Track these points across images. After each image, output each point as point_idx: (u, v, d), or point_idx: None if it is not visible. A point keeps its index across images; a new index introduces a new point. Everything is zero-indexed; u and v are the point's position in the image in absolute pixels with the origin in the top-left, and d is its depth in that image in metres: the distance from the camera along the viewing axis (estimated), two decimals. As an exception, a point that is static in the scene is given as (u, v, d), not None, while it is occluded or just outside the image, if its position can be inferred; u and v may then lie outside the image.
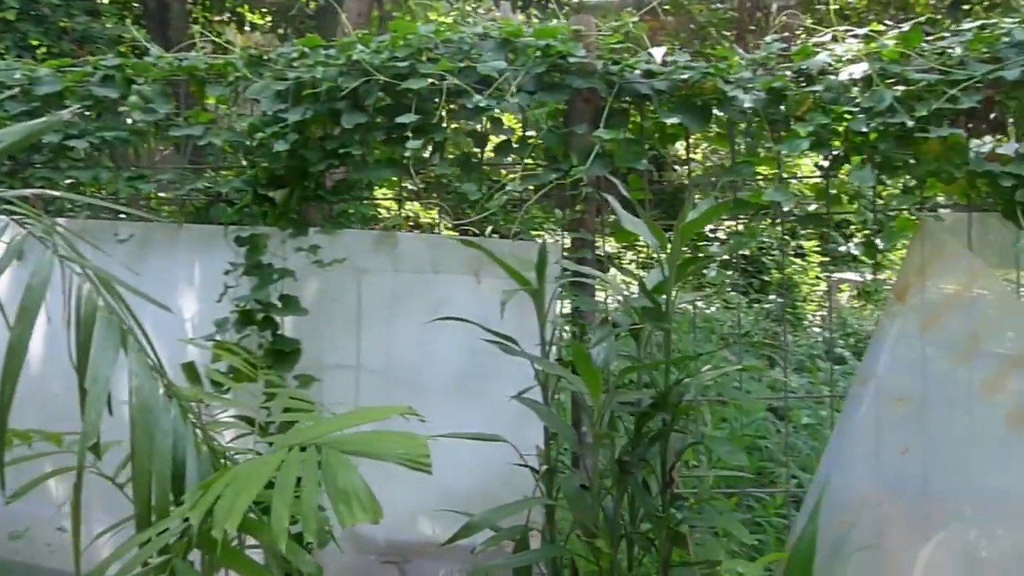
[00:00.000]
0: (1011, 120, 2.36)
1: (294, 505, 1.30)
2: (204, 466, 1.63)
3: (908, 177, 2.38)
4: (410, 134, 2.35)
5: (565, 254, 2.43)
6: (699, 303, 8.94)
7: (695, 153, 4.43)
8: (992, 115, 2.38)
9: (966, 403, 2.24)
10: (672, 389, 1.72)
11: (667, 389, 1.73)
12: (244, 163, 2.67)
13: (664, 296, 1.75)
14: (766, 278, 9.85)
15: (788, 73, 2.37)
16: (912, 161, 2.27)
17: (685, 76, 2.36)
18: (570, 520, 1.99)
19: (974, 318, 2.27)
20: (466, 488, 2.51)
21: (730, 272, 9.71)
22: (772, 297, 9.13)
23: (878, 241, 2.27)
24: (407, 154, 2.33)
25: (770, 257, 9.88)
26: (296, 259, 2.61)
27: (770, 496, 4.60)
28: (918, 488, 2.25)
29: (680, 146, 2.79)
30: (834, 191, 2.45)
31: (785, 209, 2.31)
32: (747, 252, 10.10)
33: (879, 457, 2.30)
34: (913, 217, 2.38)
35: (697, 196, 2.25)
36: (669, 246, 1.71)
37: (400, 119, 2.35)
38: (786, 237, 9.89)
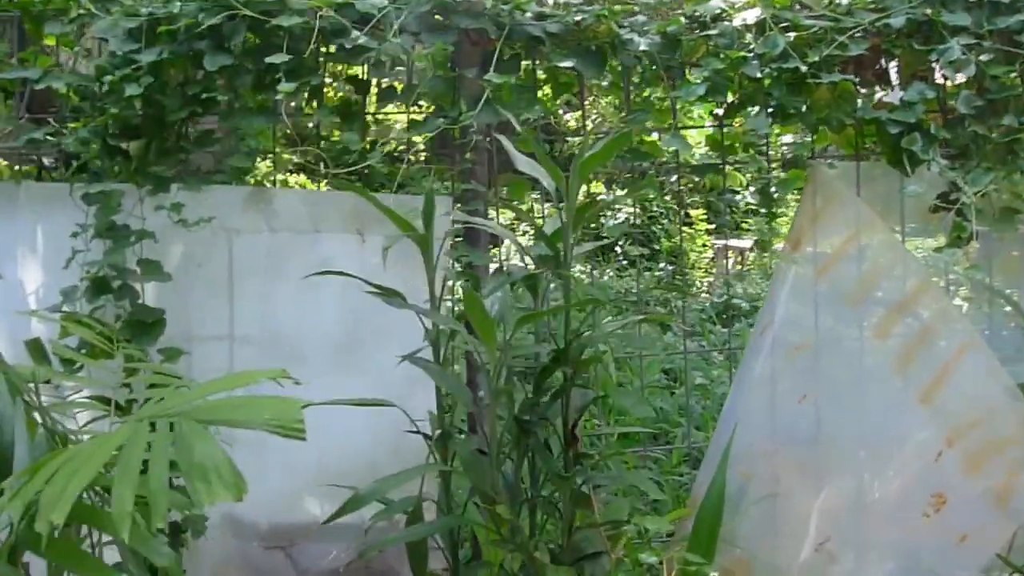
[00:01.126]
0: (896, 68, 2.37)
1: (142, 486, 1.10)
2: (39, 451, 1.40)
3: (801, 126, 2.36)
4: (281, 77, 2.13)
5: (458, 207, 2.28)
6: (592, 270, 9.02)
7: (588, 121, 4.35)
8: (879, 64, 2.39)
9: (858, 349, 2.25)
10: (573, 341, 1.62)
11: (568, 341, 1.63)
12: (93, 112, 2.37)
13: (565, 243, 1.64)
14: (656, 247, 10.05)
15: (683, 19, 2.30)
16: (805, 109, 2.25)
17: (578, 18, 2.24)
18: (467, 488, 1.86)
19: (863, 266, 2.29)
20: (354, 461, 2.34)
21: (622, 242, 9.86)
22: (663, 265, 9.31)
23: (772, 189, 2.24)
24: (278, 97, 2.11)
25: (660, 226, 10.07)
26: (156, 219, 2.34)
27: (666, 455, 4.66)
28: (813, 435, 2.25)
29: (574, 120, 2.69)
30: (728, 142, 2.41)
31: (682, 157, 2.24)
32: (637, 221, 10.28)
33: (776, 406, 2.29)
34: (805, 166, 2.37)
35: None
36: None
37: (270, 59, 2.13)
38: (675, 207, 10.12)
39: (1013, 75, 2.16)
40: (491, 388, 1.56)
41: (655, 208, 10.24)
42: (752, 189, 2.25)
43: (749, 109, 2.27)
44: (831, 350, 2.24)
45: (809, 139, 2.37)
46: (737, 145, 2.38)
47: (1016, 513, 2.24)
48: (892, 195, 2.37)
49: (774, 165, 2.35)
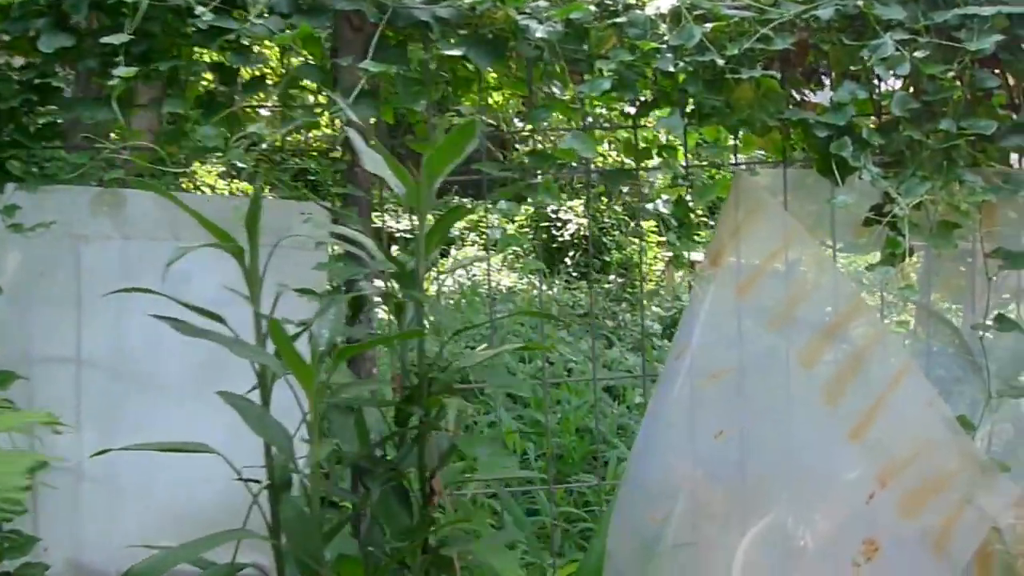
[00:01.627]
0: (826, 66, 2.16)
1: None
2: None
3: (721, 129, 2.13)
4: (122, 60, 1.83)
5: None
6: (536, 282, 8.79)
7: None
8: (808, 61, 2.17)
9: (783, 376, 2.01)
10: (427, 376, 1.35)
11: (421, 376, 1.36)
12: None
13: (415, 257, 1.37)
14: (607, 259, 9.86)
15: (592, 7, 2.05)
16: (725, 108, 2.01)
17: (472, 2, 1.98)
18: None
19: (790, 284, 2.05)
20: (225, 504, 2.05)
21: (572, 253, 9.64)
22: (612, 277, 9.12)
23: (688, 198, 2.00)
24: (113, 83, 1.81)
25: (610, 238, 9.89)
26: (-12, 224, 2.02)
27: (601, 480, 4.41)
28: (735, 473, 2.01)
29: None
30: (644, 145, 2.16)
31: (588, 161, 1.99)
32: (587, 233, 10.09)
33: (694, 440, 2.04)
34: (726, 174, 2.14)
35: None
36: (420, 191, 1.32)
37: (107, 39, 1.83)
38: (625, 217, 9.94)
39: (951, 75, 1.95)
40: (311, 435, 1.28)
41: (606, 219, 10.07)
42: (664, 198, 1.99)
43: (665, 107, 2.03)
44: (753, 379, 2.00)
45: (735, 143, 2.13)
46: (654, 149, 2.13)
47: (954, 560, 2.02)
48: (822, 207, 2.15)
49: (697, 173, 2.11)
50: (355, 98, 1.89)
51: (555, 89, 2.09)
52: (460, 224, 10.87)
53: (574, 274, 9.51)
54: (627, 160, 2.18)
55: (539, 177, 1.98)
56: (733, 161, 2.12)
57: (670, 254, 9.06)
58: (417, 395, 1.35)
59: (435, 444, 1.39)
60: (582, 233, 9.76)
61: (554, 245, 10.03)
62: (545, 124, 2.40)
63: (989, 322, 2.02)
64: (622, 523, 2.01)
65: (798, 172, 2.24)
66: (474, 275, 9.42)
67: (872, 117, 2.16)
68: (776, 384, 1.99)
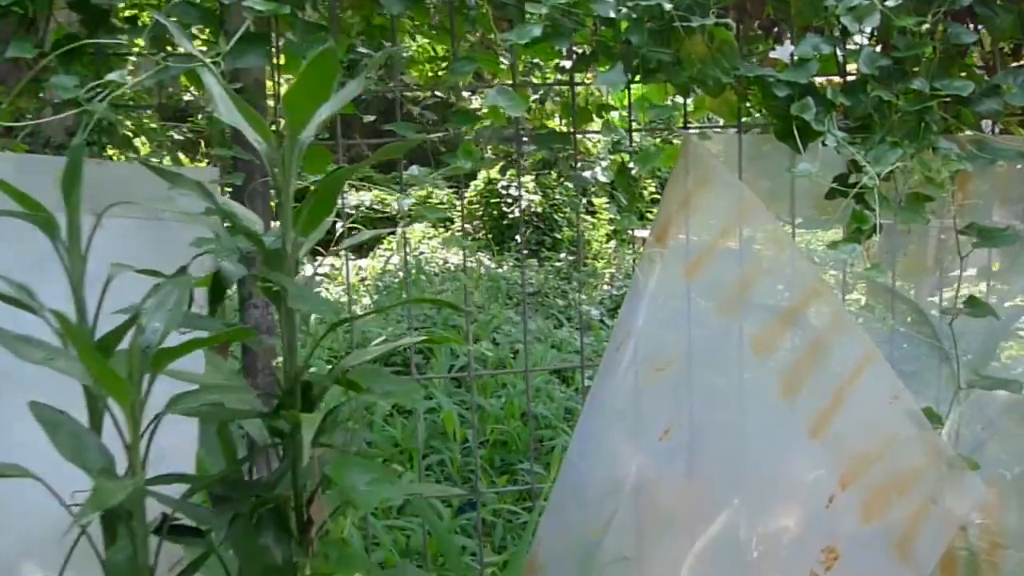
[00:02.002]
0: (785, 19, 1.92)
1: None
2: None
3: (669, 88, 1.88)
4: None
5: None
6: (487, 260, 8.53)
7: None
8: (766, 13, 1.93)
9: (736, 367, 1.79)
10: (298, 381, 1.08)
11: (293, 379, 1.09)
12: None
13: (282, 233, 1.09)
14: (558, 236, 9.64)
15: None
16: (673, 63, 1.76)
17: (381, -66, 1.69)
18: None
19: (744, 262, 1.83)
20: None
21: (524, 230, 9.39)
22: (563, 255, 8.90)
23: (632, 165, 1.75)
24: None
25: (562, 215, 9.66)
26: None
27: (545, 469, 4.19)
28: (682, 476, 1.78)
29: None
30: (582, 103, 1.90)
31: (518, 122, 1.72)
32: (539, 210, 9.84)
33: (637, 440, 1.81)
34: (675, 140, 1.89)
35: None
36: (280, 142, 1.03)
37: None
38: (576, 194, 9.71)
39: (925, 27, 1.73)
40: (129, 460, 1.01)
41: (557, 196, 9.83)
42: (604, 165, 1.73)
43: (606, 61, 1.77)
44: (702, 370, 1.78)
45: (683, 103, 1.88)
46: (593, 110, 1.87)
47: (920, 564, 1.83)
48: (781, 176, 1.93)
49: (639, 136, 1.86)
50: (240, 42, 1.60)
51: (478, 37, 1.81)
52: (408, 200, 10.55)
53: (525, 251, 9.27)
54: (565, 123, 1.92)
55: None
56: (682, 125, 1.88)
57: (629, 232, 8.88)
58: (287, 404, 1.09)
59: (317, 463, 1.13)
60: (532, 210, 9.51)
61: (504, 222, 9.77)
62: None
63: (960, 306, 1.83)
64: (555, 532, 1.78)
65: (754, 138, 2.01)
66: (421, 252, 9.12)
67: (836, 78, 1.93)
68: (728, 376, 1.77)
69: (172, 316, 0.98)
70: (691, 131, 1.84)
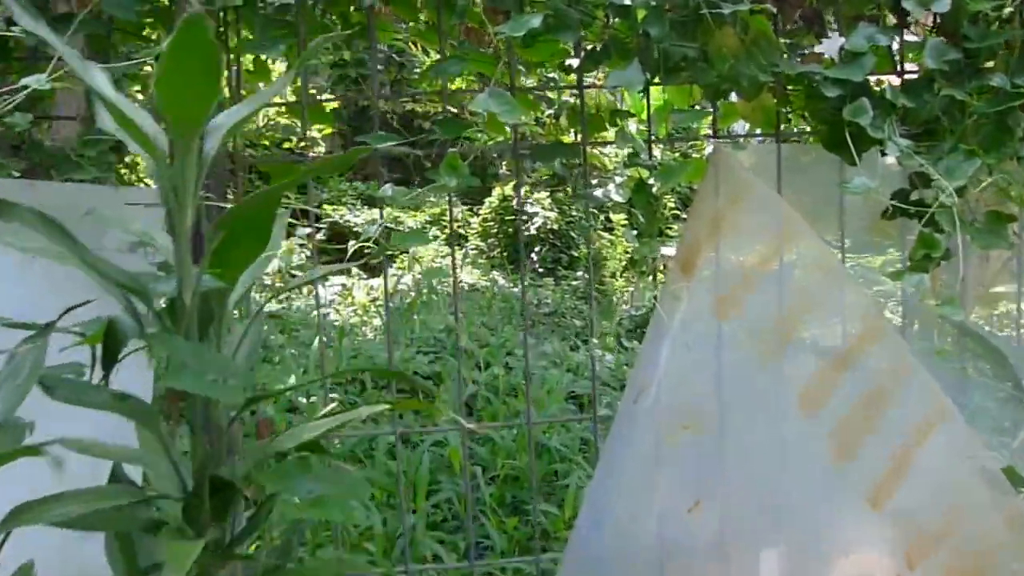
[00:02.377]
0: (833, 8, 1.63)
1: None
2: None
3: (695, 90, 1.59)
4: None
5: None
6: (500, 280, 8.25)
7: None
8: (809, 2, 1.64)
9: (779, 423, 1.49)
10: (205, 478, 0.80)
11: (200, 475, 0.81)
12: None
13: (179, 277, 0.82)
14: (575, 253, 9.35)
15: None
16: (700, 60, 1.48)
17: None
18: None
19: (787, 296, 1.53)
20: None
21: (538, 248, 9.13)
22: (580, 273, 8.59)
23: (652, 181, 1.46)
24: None
25: (579, 231, 9.37)
26: None
27: (559, 509, 3.89)
28: (716, 559, 1.47)
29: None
30: (593, 110, 1.62)
31: (510, 127, 1.44)
32: (555, 227, 9.54)
33: (658, 509, 1.51)
34: (699, 152, 1.60)
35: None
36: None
37: None
38: (594, 211, 9.44)
39: (1007, 10, 1.43)
40: None
41: (574, 212, 9.54)
42: (618, 181, 1.43)
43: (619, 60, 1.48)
44: (739, 429, 1.47)
45: (710, 109, 1.60)
46: (605, 117, 1.59)
47: (1003, 660, 1.51)
48: (829, 193, 1.63)
49: (660, 148, 1.57)
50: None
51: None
52: (421, 217, 10.33)
53: (540, 270, 9.00)
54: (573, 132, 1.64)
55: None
56: (711, 134, 1.59)
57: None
58: (192, 509, 0.81)
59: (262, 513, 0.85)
60: (548, 227, 9.23)
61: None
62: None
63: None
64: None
65: (792, 149, 1.72)
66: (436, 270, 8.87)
67: (891, 78, 1.64)
68: (769, 435, 1.46)
69: (16, 391, 0.72)
70: (722, 140, 1.55)
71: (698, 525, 1.44)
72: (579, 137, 1.61)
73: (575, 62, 1.54)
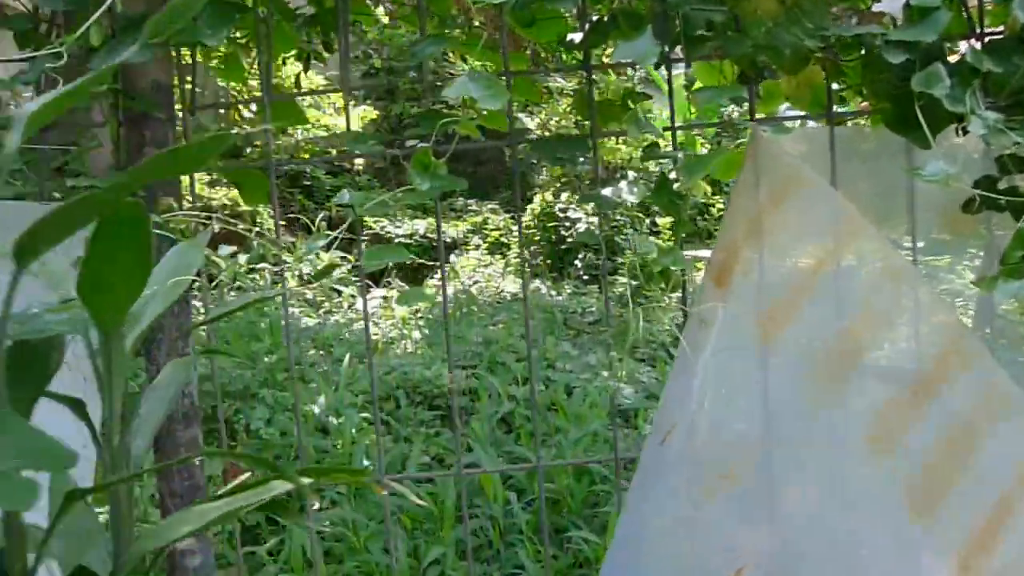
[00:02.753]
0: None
1: None
2: None
3: (725, 67, 1.32)
4: None
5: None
6: (542, 287, 7.99)
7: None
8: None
9: (841, 470, 1.20)
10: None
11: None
12: None
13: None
14: (620, 260, 9.04)
15: None
16: (731, 28, 1.21)
17: None
18: None
19: (847, 311, 1.24)
20: None
21: (581, 255, 8.86)
22: (624, 280, 8.28)
23: (674, 175, 1.19)
24: None
25: (623, 236, 9.06)
26: None
27: (600, 536, 3.61)
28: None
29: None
30: (600, 95, 1.36)
31: (509, 120, 1.19)
32: (598, 230, 9.23)
33: (694, 574, 1.24)
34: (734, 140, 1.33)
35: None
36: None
37: None
38: (639, 214, 9.13)
39: (1124, -56, 1.13)
40: None
41: (618, 216, 9.22)
42: (631, 177, 1.17)
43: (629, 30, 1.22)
44: (789, 476, 1.19)
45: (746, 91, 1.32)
46: (616, 101, 1.33)
47: None
48: (894, 184, 1.35)
49: (682, 127, 1.30)
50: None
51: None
52: (463, 227, 10.14)
53: (584, 277, 8.72)
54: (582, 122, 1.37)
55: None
56: (750, 116, 1.31)
57: (689, 253, 8.21)
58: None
59: None
60: (593, 232, 8.93)
61: (562, 246, 9.24)
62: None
63: None
64: None
65: (850, 132, 1.44)
66: (477, 281, 8.68)
67: (972, 35, 1.34)
68: (829, 485, 1.18)
69: None
70: (762, 123, 1.27)
71: (741, 594, 1.16)
72: (586, 128, 1.35)
73: (580, 37, 1.29)
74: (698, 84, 1.34)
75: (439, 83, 1.30)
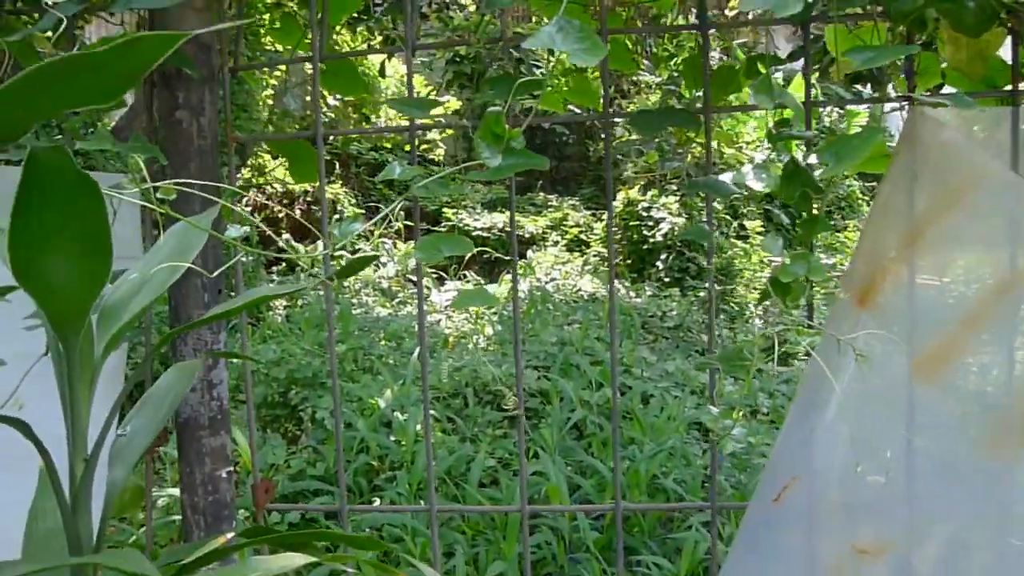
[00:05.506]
0: None
1: None
2: None
3: (880, 28, 1.04)
4: None
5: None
6: (621, 288, 7.69)
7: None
8: None
9: (1012, 554, 0.92)
10: None
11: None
12: None
13: None
14: (704, 263, 8.64)
15: None
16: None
17: None
18: None
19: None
20: None
21: (664, 256, 8.53)
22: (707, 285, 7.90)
23: (812, 160, 0.92)
24: None
25: (695, 236, 8.64)
26: None
27: (672, 560, 3.34)
28: None
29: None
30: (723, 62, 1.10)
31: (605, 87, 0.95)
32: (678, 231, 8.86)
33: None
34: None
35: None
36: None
37: None
38: (726, 216, 8.72)
39: None
40: None
41: (704, 218, 8.84)
42: (751, 164, 0.92)
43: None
44: (948, 552, 0.91)
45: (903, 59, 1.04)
46: (739, 70, 1.06)
47: None
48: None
49: (824, 112, 1.04)
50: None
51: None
52: (542, 223, 9.92)
53: (666, 279, 8.38)
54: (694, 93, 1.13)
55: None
56: (908, 91, 1.03)
57: (779, 259, 7.73)
58: None
59: None
60: (676, 233, 8.57)
61: (644, 247, 8.90)
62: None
63: None
64: None
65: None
66: (554, 278, 8.45)
67: None
68: (1003, 565, 0.89)
69: None
70: (924, 99, 0.99)
71: None
72: (698, 99, 1.10)
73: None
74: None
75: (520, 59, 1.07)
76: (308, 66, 1.32)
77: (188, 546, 0.83)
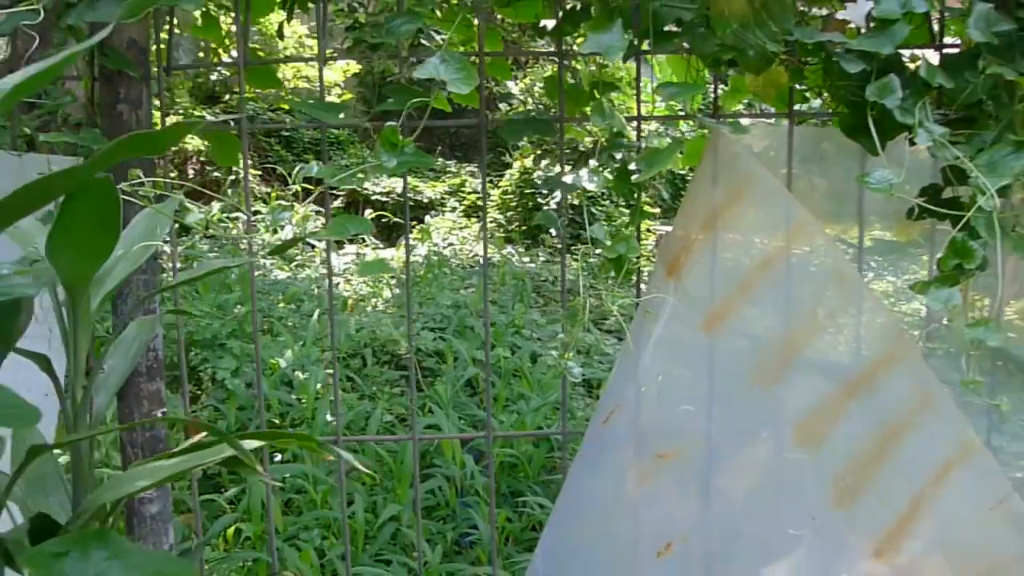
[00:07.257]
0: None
1: None
2: None
3: (693, 62, 1.36)
4: None
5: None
6: (514, 254, 8.04)
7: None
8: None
9: (771, 462, 1.27)
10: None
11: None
12: None
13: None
14: (593, 233, 9.07)
15: None
16: (697, 23, 1.24)
17: None
18: None
19: (792, 310, 1.31)
20: None
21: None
22: (598, 252, 8.34)
23: (634, 166, 1.23)
24: None
25: (600, 207, 9.10)
26: None
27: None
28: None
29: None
30: (572, 79, 1.39)
31: (481, 100, 1.22)
32: (576, 201, 9.28)
33: (628, 554, 1.31)
34: (696, 131, 1.37)
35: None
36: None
37: None
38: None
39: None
40: None
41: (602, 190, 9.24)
42: (592, 164, 1.21)
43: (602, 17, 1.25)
44: (723, 462, 1.26)
45: (712, 86, 1.36)
46: (586, 87, 1.36)
47: None
48: (847, 187, 1.40)
49: (653, 125, 1.34)
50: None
51: None
52: (440, 188, 10.11)
53: (559, 246, 8.75)
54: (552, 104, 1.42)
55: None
56: (712, 112, 1.35)
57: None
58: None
59: None
60: (569, 202, 8.98)
61: (539, 213, 9.26)
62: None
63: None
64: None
65: (810, 132, 1.49)
66: (451, 243, 8.68)
67: (926, 51, 1.39)
68: (760, 472, 1.25)
69: None
70: (724, 119, 1.31)
71: (667, 572, 1.23)
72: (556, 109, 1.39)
73: (548, 23, 1.31)
74: (664, 78, 1.38)
75: (416, 60, 1.32)
76: (197, 14, 1.51)
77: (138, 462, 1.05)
